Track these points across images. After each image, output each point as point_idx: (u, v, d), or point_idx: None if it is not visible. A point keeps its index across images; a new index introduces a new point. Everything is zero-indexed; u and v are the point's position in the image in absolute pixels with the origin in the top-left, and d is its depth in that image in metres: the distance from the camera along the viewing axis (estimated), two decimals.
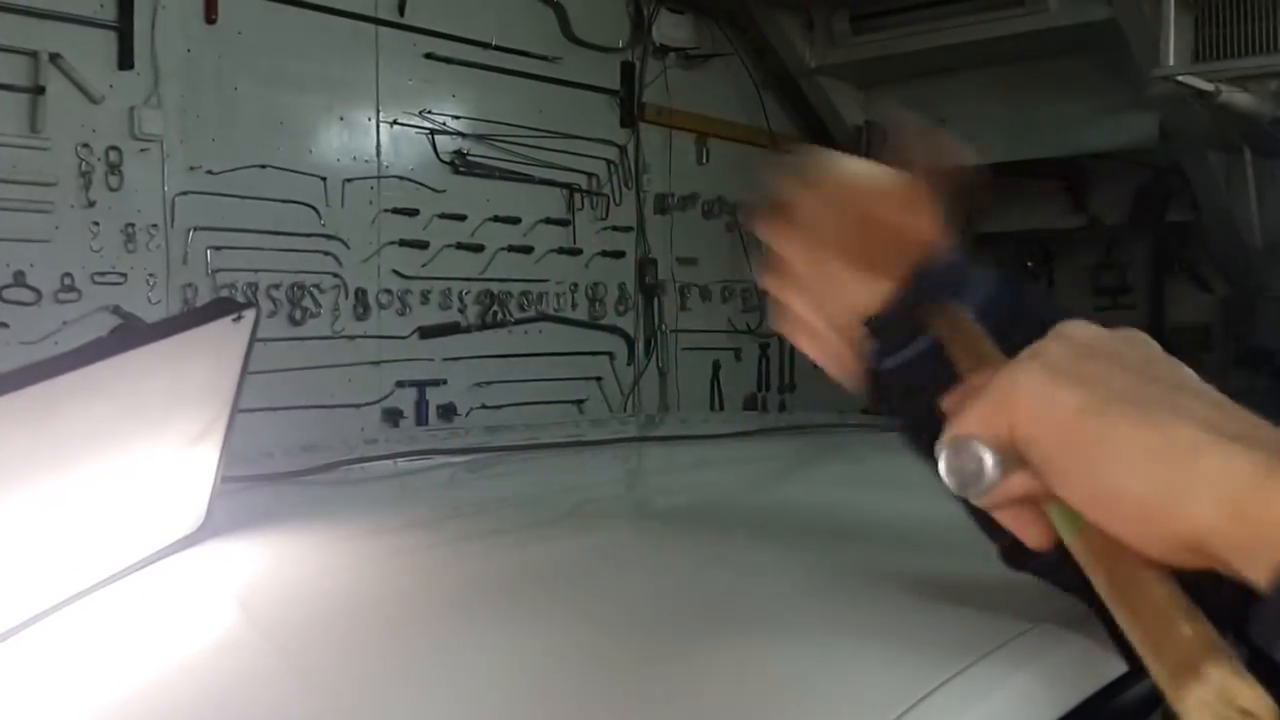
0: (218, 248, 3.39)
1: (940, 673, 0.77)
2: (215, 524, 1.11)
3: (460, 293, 4.13)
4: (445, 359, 4.10)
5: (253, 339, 1.01)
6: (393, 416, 3.91)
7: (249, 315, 0.98)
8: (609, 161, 4.63)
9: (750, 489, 1.42)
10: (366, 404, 3.85)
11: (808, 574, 1.05)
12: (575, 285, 4.57)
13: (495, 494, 1.37)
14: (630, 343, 4.83)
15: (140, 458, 0.98)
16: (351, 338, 3.80)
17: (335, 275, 3.73)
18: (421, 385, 4.01)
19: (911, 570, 1.00)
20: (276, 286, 3.57)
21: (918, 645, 0.82)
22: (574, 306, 4.57)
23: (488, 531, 1.22)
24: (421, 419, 3.97)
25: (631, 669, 0.83)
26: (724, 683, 0.80)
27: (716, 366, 5.29)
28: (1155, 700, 0.97)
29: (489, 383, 4.21)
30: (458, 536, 1.21)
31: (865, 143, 5.23)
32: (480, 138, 4.13)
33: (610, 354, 4.75)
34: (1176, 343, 4.86)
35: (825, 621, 0.91)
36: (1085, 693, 0.82)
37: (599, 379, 4.69)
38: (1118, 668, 0.85)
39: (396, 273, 3.92)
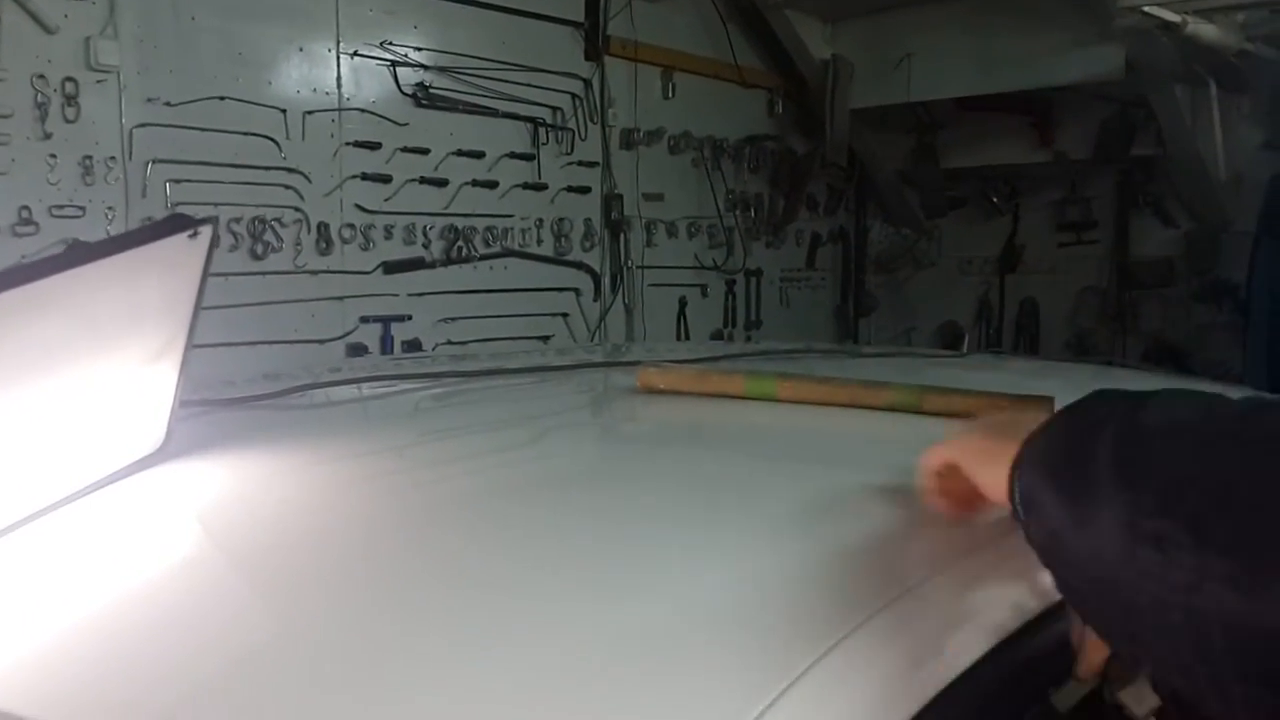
0: (177, 180, 3.33)
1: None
2: (175, 445, 1.10)
3: (424, 228, 4.09)
4: (410, 295, 4.07)
5: (210, 256, 0.99)
6: (357, 352, 3.89)
7: (205, 231, 0.96)
8: (574, 95, 4.58)
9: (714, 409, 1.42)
10: (330, 340, 3.82)
11: (776, 482, 1.05)
12: (540, 221, 4.53)
13: (457, 420, 1.36)
14: (596, 279, 4.80)
15: (97, 376, 0.97)
16: (314, 273, 3.76)
17: (296, 209, 3.69)
18: (386, 321, 3.99)
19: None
20: (237, 220, 3.53)
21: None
22: (539, 242, 4.54)
23: (449, 457, 1.21)
24: (386, 355, 3.95)
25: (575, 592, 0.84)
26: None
27: (683, 303, 5.28)
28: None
29: (454, 319, 4.18)
30: (419, 462, 1.21)
31: (831, 75, 5.20)
32: (443, 70, 4.08)
33: (576, 290, 4.73)
34: (1139, 278, 4.90)
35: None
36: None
37: (565, 315, 4.68)
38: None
39: (359, 207, 3.87)
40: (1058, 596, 0.90)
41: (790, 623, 0.79)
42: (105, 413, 1.01)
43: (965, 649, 0.83)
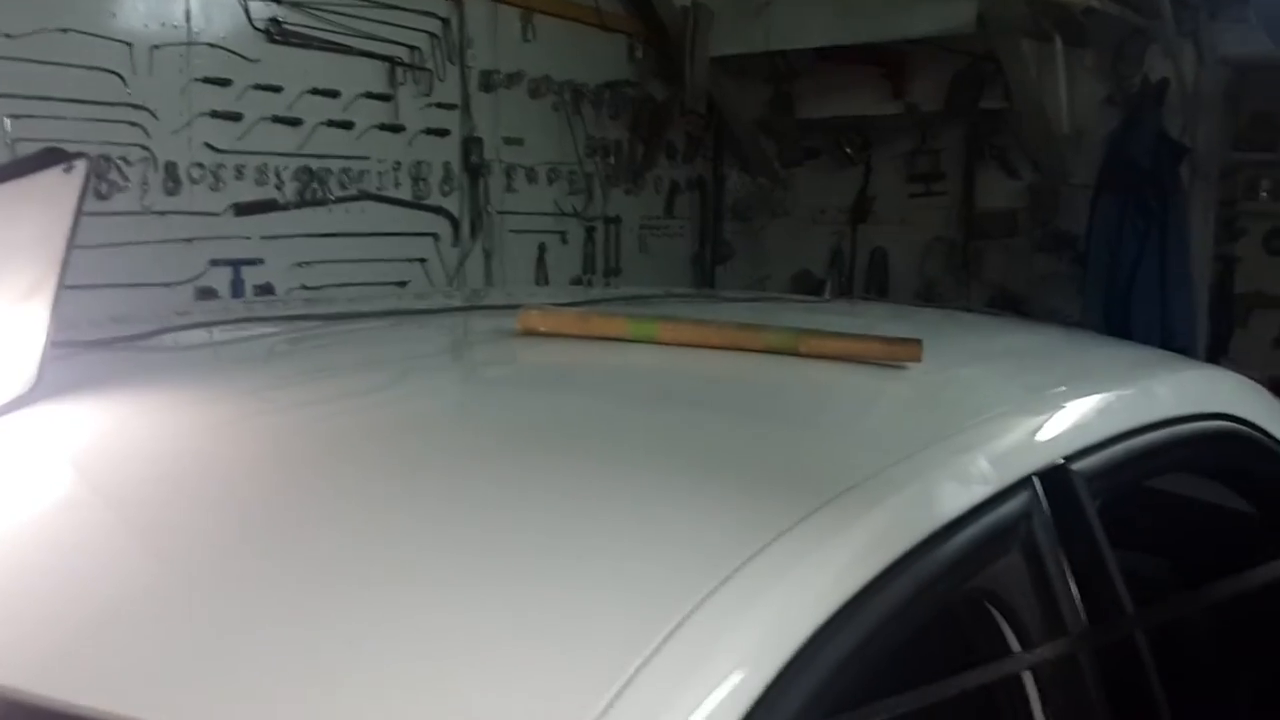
0: (17, 116, 3.17)
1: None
2: (44, 387, 1.06)
3: (277, 169, 3.98)
4: (262, 237, 3.96)
5: (85, 192, 0.95)
6: (207, 296, 3.77)
7: (80, 166, 0.93)
8: (432, 35, 4.49)
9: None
10: (178, 283, 3.69)
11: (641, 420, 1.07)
12: (398, 164, 4.45)
13: (335, 362, 1.34)
14: (455, 223, 4.75)
15: None
16: (162, 213, 3.62)
17: (143, 147, 3.55)
18: (237, 264, 3.87)
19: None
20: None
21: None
22: (397, 185, 4.46)
23: (327, 398, 1.20)
24: (238, 299, 3.84)
25: (456, 522, 0.85)
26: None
27: (543, 249, 5.26)
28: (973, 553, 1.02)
29: (308, 263, 4.09)
30: (296, 403, 1.18)
31: (692, 22, 5.21)
32: (296, 5, 3.95)
33: (435, 235, 4.66)
34: (984, 228, 5.07)
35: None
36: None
37: (423, 260, 4.61)
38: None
39: (209, 146, 3.74)
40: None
41: (682, 557, 0.80)
42: None
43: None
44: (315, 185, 4.11)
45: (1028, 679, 1.07)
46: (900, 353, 1.28)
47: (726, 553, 0.78)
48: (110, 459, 1.02)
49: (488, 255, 4.90)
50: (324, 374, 1.29)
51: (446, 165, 4.66)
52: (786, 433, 1.09)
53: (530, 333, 1.32)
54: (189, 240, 3.74)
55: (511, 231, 5.04)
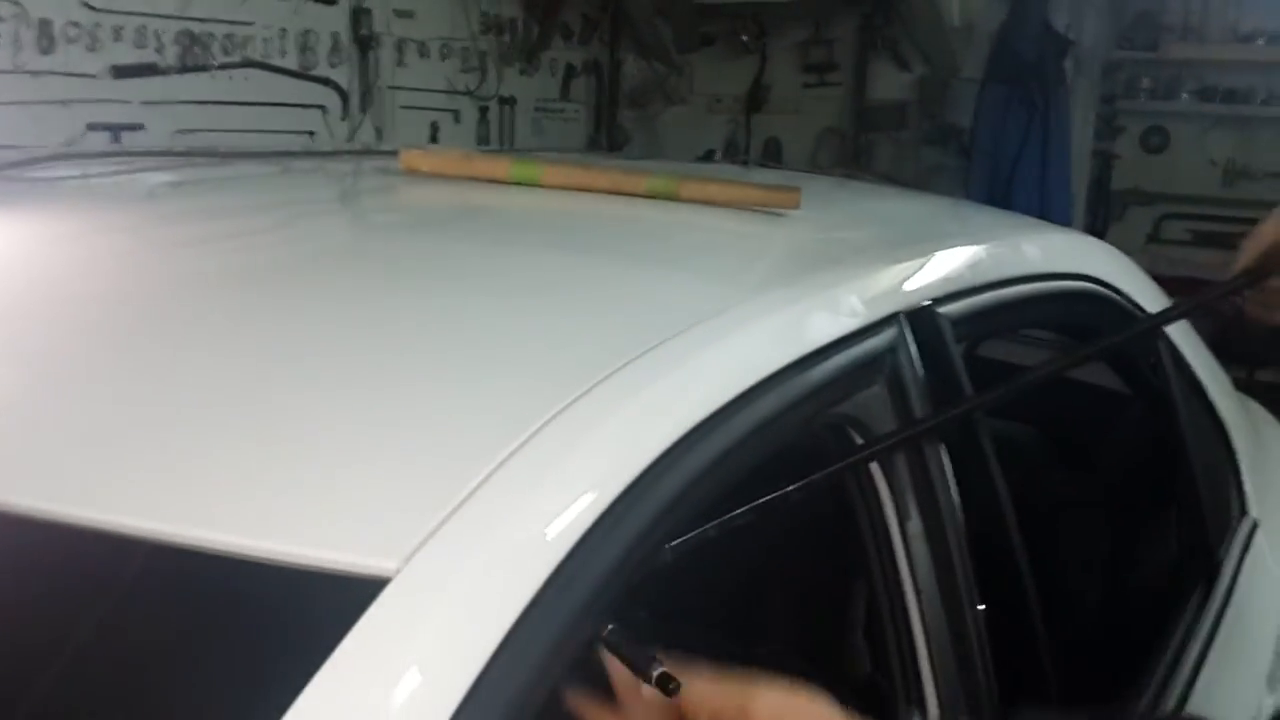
0: None
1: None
2: None
3: (157, 31, 3.84)
4: (143, 103, 3.83)
5: None
6: None
7: None
8: None
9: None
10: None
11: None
12: (284, 31, 4.32)
13: (208, 199, 1.32)
14: (344, 97, 4.64)
15: None
16: (36, 73, 3.48)
17: (15, 3, 3.39)
18: (116, 130, 3.74)
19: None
20: None
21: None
22: (283, 54, 4.34)
23: (201, 237, 1.19)
24: None
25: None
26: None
27: (435, 128, 5.16)
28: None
29: (191, 130, 3.96)
30: (170, 241, 1.17)
31: None
32: None
33: (323, 108, 4.55)
34: (875, 120, 5.11)
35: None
36: None
37: (311, 134, 4.50)
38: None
39: (86, 4, 3.59)
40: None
41: (541, 377, 0.82)
42: None
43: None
44: (197, 50, 3.98)
45: (881, 484, 1.12)
46: (778, 199, 1.31)
47: (583, 372, 0.80)
48: None
49: (379, 131, 4.80)
50: (202, 211, 1.28)
51: (335, 35, 4.54)
52: (655, 269, 1.12)
53: (413, 172, 1.32)
54: (65, 103, 3.60)
55: (403, 108, 4.94)
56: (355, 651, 0.58)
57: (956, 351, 1.24)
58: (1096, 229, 5.46)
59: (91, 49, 3.63)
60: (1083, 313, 1.63)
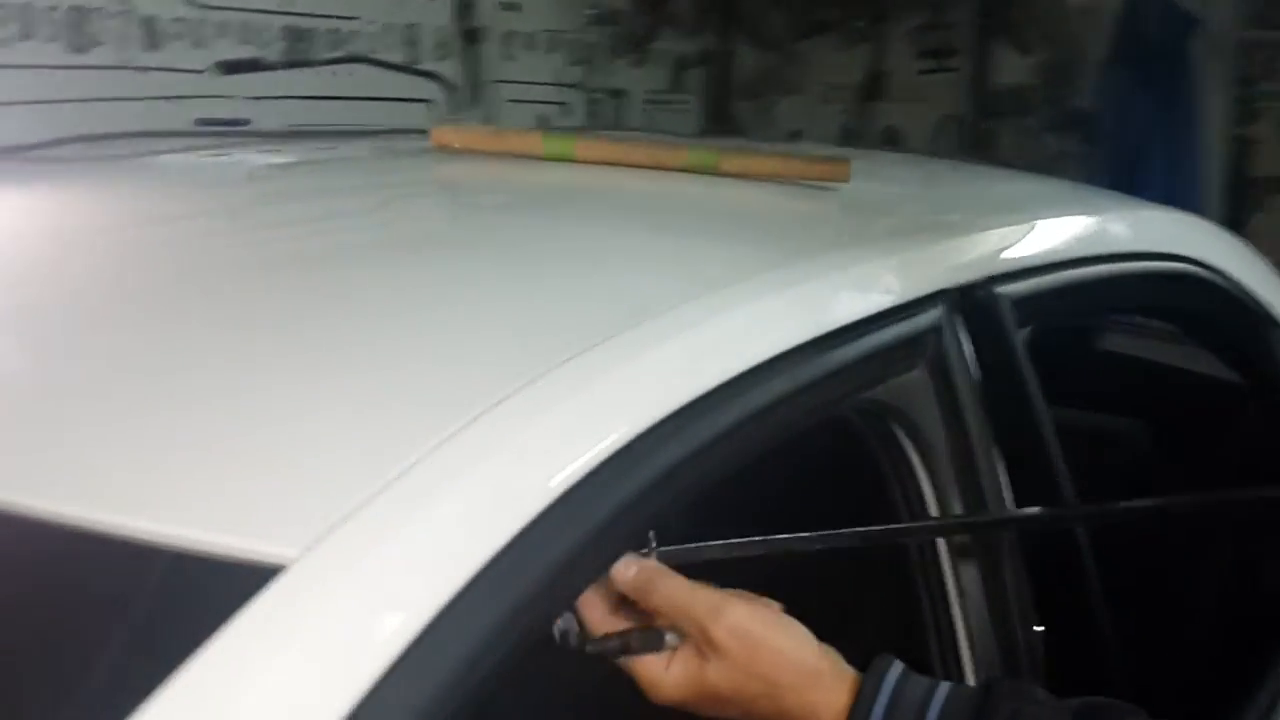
0: None
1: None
2: None
3: (263, 26, 3.88)
4: (248, 98, 3.88)
5: None
6: None
7: None
8: None
9: None
10: None
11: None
12: (390, 26, 4.34)
13: (232, 174, 1.29)
14: (451, 90, 4.64)
15: None
16: (143, 70, 3.55)
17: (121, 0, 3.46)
18: (222, 125, 3.80)
19: None
20: (54, 8, 3.29)
21: None
22: (389, 49, 4.36)
23: (228, 209, 1.15)
24: None
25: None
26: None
27: (543, 121, 5.15)
28: None
29: (299, 126, 4.01)
30: (198, 213, 1.14)
31: None
32: None
33: (429, 102, 4.56)
34: (996, 106, 4.97)
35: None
36: None
37: (422, 132, 4.52)
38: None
39: (190, 1, 3.65)
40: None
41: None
42: None
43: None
44: (302, 45, 4.02)
45: (926, 487, 1.03)
46: (826, 172, 1.22)
47: (542, 356, 0.73)
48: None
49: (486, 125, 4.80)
50: (227, 186, 1.24)
51: (441, 29, 4.55)
52: (666, 240, 1.04)
53: (444, 149, 1.27)
54: (172, 99, 3.67)
55: (510, 101, 4.93)
56: (233, 643, 0.52)
57: (1017, 335, 1.14)
58: (1234, 218, 5.17)
59: (197, 45, 3.69)
60: (1179, 297, 1.50)
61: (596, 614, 0.86)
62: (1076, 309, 1.33)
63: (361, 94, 4.26)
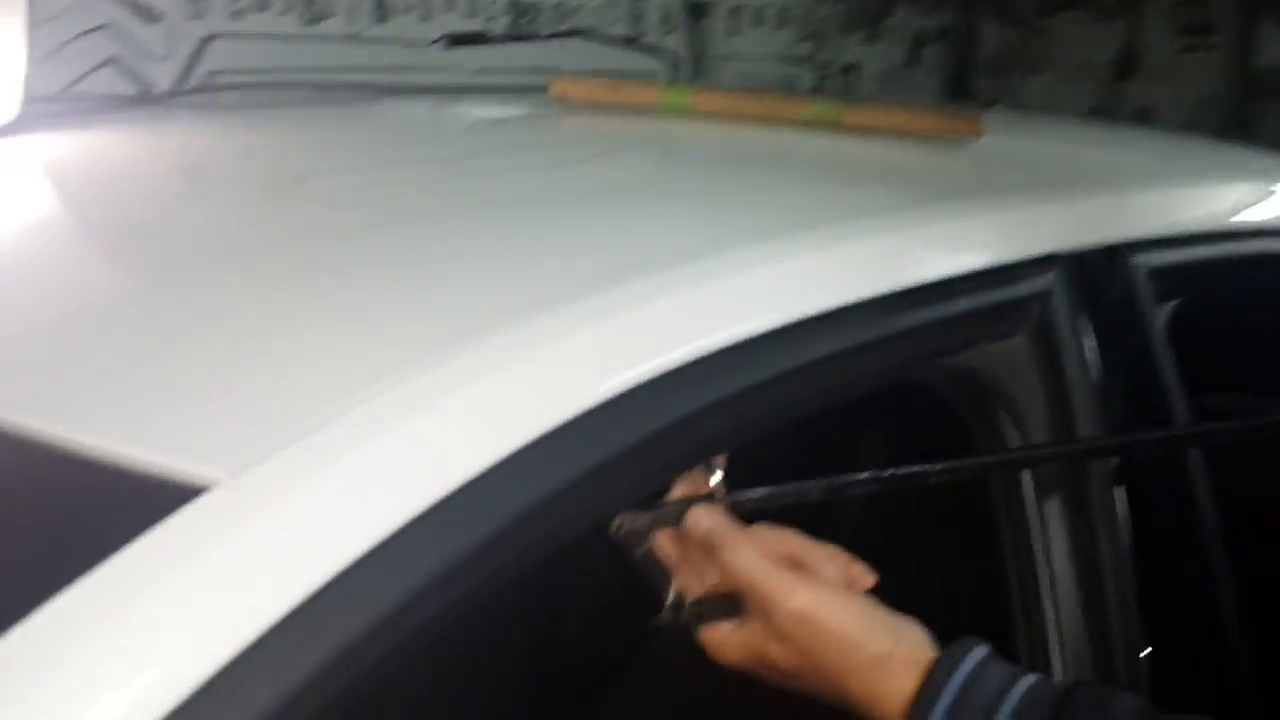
0: None
1: None
2: (35, 122, 1.07)
3: (488, 0, 3.97)
4: (472, 71, 3.97)
5: None
6: None
7: None
8: None
9: None
10: None
11: None
12: (615, 0, 4.37)
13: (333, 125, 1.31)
14: (675, 65, 4.63)
15: None
16: (371, 42, 3.69)
17: None
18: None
19: None
20: None
21: None
22: (613, 22, 4.38)
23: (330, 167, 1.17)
24: None
25: None
26: None
27: None
28: None
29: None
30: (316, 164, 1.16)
31: None
32: None
33: (654, 76, 4.57)
34: (1262, 87, 4.62)
35: None
36: None
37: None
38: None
39: None
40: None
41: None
42: None
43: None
44: (526, 19, 4.08)
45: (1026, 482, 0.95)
46: (957, 126, 1.14)
47: (539, 298, 0.71)
48: (73, 192, 1.02)
49: None
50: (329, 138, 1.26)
51: (666, 4, 4.54)
52: (743, 190, 0.99)
53: (563, 101, 1.25)
54: (399, 69, 3.79)
55: (736, 76, 4.89)
56: (141, 555, 0.52)
57: (1154, 310, 1.03)
58: None
59: (425, 18, 3.80)
60: None
61: (670, 554, 0.85)
62: (1244, 285, 1.20)
63: (583, 67, 4.30)
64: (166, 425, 0.58)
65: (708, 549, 0.82)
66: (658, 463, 0.72)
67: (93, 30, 3.11)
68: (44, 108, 0.96)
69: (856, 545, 0.81)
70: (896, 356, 0.85)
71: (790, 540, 0.83)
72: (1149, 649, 0.94)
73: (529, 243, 0.81)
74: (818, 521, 0.82)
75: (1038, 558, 0.93)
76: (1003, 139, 1.16)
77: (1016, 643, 0.93)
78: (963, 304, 0.88)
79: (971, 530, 0.95)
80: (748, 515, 0.82)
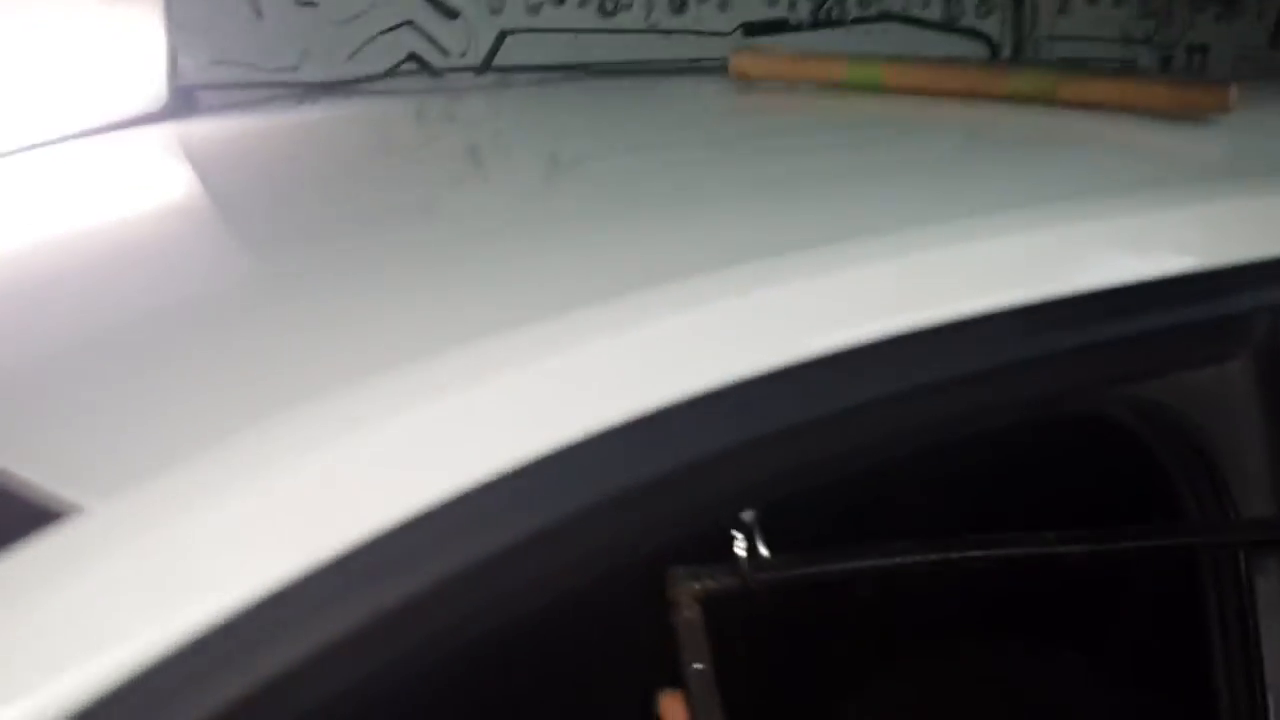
0: None
1: None
2: (182, 108, 1.05)
3: None
4: None
5: None
6: None
7: None
8: None
9: None
10: None
11: None
12: None
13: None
14: (994, 50, 4.36)
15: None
16: (668, 32, 3.65)
17: None
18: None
19: None
20: None
21: None
22: (925, 5, 4.16)
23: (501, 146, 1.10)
24: None
25: None
26: None
27: None
28: None
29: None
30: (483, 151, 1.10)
31: None
32: None
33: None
34: None
35: None
36: None
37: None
38: None
39: None
40: None
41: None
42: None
43: None
44: (831, 4, 3.94)
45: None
46: (1198, 99, 0.94)
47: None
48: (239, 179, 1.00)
49: None
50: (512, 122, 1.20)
51: None
52: (896, 175, 0.84)
53: (743, 77, 1.14)
54: (696, 60, 3.74)
55: (1063, 59, 4.54)
56: None
57: None
58: None
59: (723, 8, 3.73)
60: None
61: None
62: None
63: (893, 52, 4.10)
64: (40, 433, 0.53)
65: None
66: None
67: (396, 27, 3.23)
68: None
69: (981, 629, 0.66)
70: (1062, 381, 0.69)
71: None
72: None
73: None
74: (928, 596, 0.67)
75: (1267, 662, 0.73)
76: (1262, 115, 0.95)
77: None
78: (1152, 319, 0.70)
79: (1160, 625, 0.77)
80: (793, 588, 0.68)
